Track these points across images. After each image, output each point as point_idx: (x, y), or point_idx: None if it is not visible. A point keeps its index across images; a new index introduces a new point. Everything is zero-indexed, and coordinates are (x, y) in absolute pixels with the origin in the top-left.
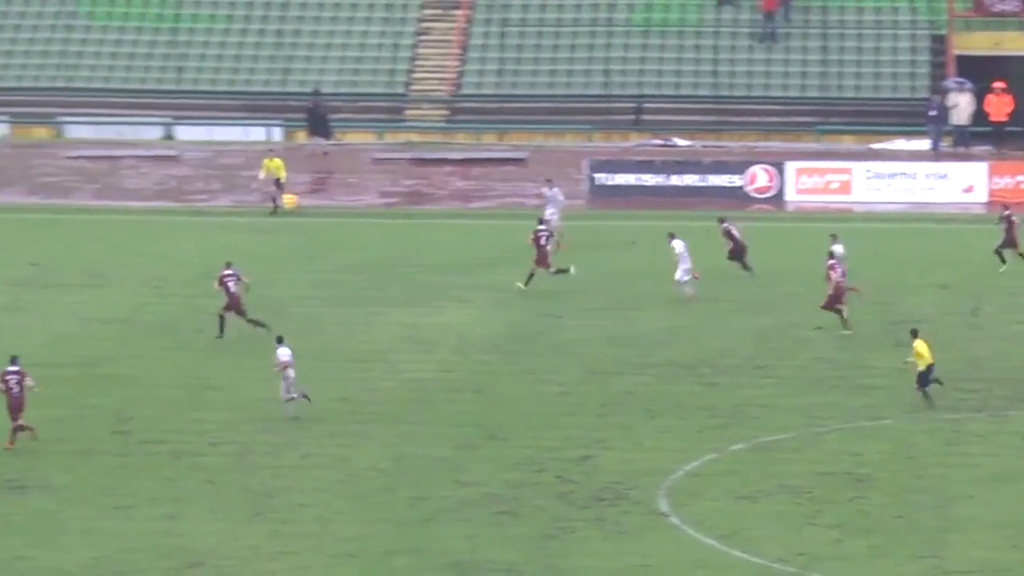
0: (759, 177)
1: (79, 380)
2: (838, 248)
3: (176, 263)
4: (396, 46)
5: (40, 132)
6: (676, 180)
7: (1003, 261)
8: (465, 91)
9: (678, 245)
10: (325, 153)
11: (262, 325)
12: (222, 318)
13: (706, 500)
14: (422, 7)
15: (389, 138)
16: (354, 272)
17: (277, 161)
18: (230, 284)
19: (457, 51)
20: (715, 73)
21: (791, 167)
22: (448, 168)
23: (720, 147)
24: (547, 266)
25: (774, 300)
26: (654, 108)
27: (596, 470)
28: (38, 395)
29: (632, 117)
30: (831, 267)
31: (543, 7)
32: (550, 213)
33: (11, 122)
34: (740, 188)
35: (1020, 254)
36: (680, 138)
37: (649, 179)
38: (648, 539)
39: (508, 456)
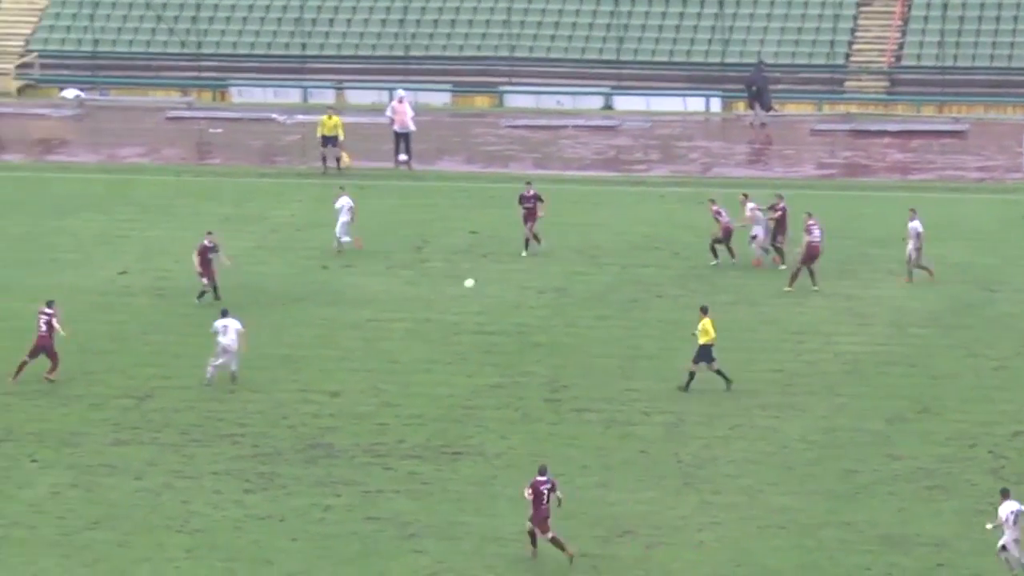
0: None
1: (514, 348)
2: (915, 224)
3: (613, 233)
4: (837, 17)
5: (481, 101)
6: None
7: (780, 254)
8: (905, 63)
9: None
10: (763, 124)
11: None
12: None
13: None
14: None
15: (828, 109)
16: (787, 244)
17: (336, 119)
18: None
19: (898, 22)
20: None
21: None
22: (886, 140)
23: None
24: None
25: None
26: None
27: None
28: (472, 362)
29: None
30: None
31: None
32: (756, 230)
33: (453, 91)
34: None
35: (777, 247)
36: None
37: None
38: None
39: (940, 430)
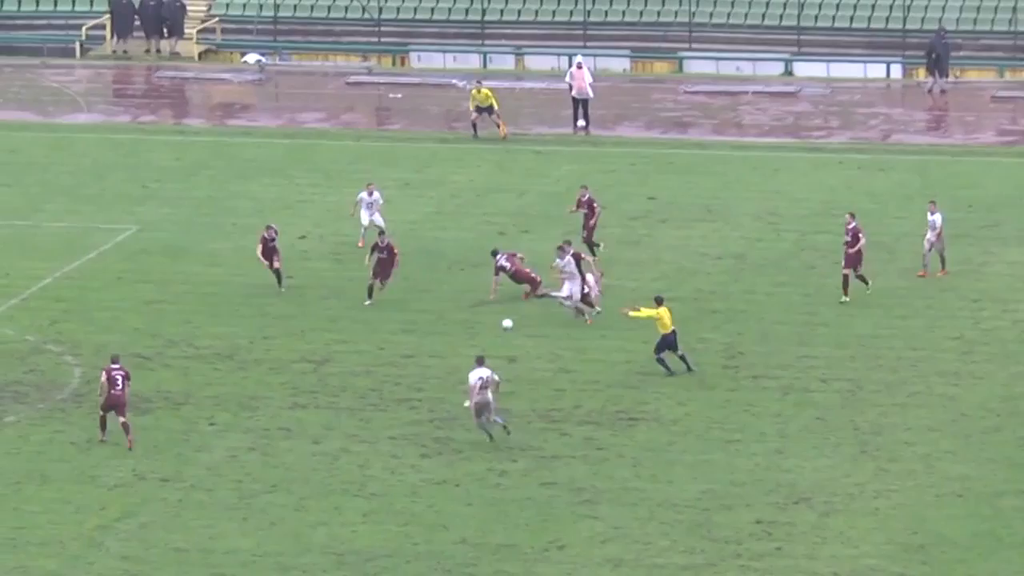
0: None
1: (690, 314)
2: (936, 218)
3: (791, 200)
4: None
5: (660, 67)
6: None
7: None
8: None
9: None
10: (943, 91)
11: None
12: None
13: None
14: None
15: (1009, 76)
16: (969, 211)
17: (485, 91)
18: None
19: None
20: None
21: None
22: None
23: None
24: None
25: None
26: None
27: None
28: (649, 327)
29: None
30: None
31: None
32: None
33: (632, 57)
34: None
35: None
36: None
37: None
38: None
39: None
